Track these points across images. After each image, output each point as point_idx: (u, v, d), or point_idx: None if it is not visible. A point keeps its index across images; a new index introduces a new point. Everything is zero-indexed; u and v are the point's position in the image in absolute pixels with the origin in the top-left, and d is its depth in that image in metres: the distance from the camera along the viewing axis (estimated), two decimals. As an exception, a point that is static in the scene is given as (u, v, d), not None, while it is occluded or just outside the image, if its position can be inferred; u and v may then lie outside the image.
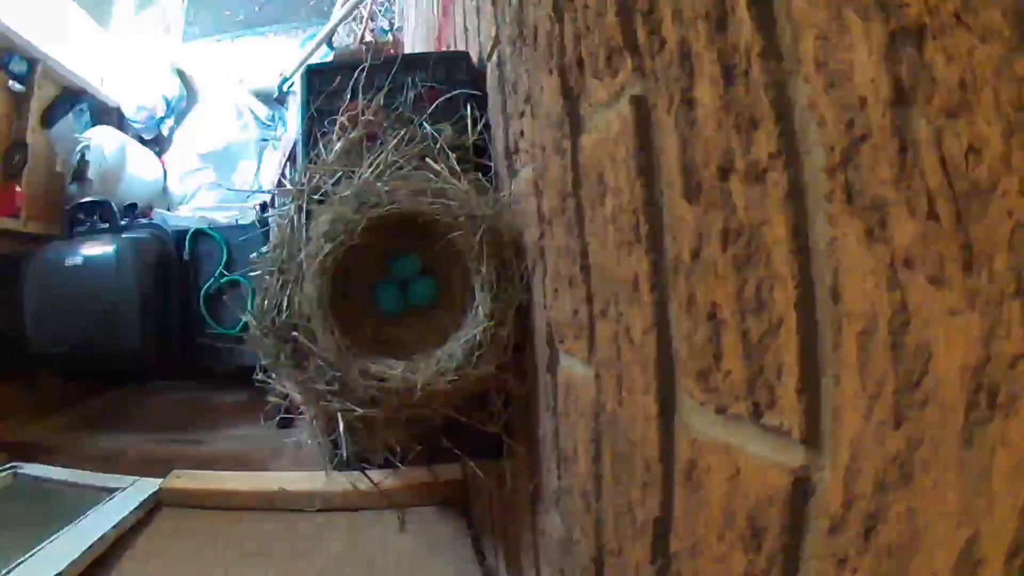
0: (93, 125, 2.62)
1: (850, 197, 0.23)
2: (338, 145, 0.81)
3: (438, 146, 0.79)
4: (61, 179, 2.49)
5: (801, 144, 0.26)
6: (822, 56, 0.24)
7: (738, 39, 0.28)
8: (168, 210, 2.42)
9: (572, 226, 0.51)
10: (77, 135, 2.52)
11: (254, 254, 0.80)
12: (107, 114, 2.87)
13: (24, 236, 2.29)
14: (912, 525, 0.21)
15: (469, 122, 0.84)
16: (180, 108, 3.09)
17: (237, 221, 2.14)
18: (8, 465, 1.44)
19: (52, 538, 1.07)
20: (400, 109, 0.85)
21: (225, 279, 2.03)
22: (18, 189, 2.33)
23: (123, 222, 2.20)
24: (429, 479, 1.20)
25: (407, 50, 2.19)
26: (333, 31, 2.42)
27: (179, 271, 2.10)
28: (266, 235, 0.80)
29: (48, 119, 2.49)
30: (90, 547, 1.04)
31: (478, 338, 0.69)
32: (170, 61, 3.14)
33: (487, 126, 0.84)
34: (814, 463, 0.26)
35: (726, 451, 0.31)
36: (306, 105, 0.87)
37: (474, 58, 0.91)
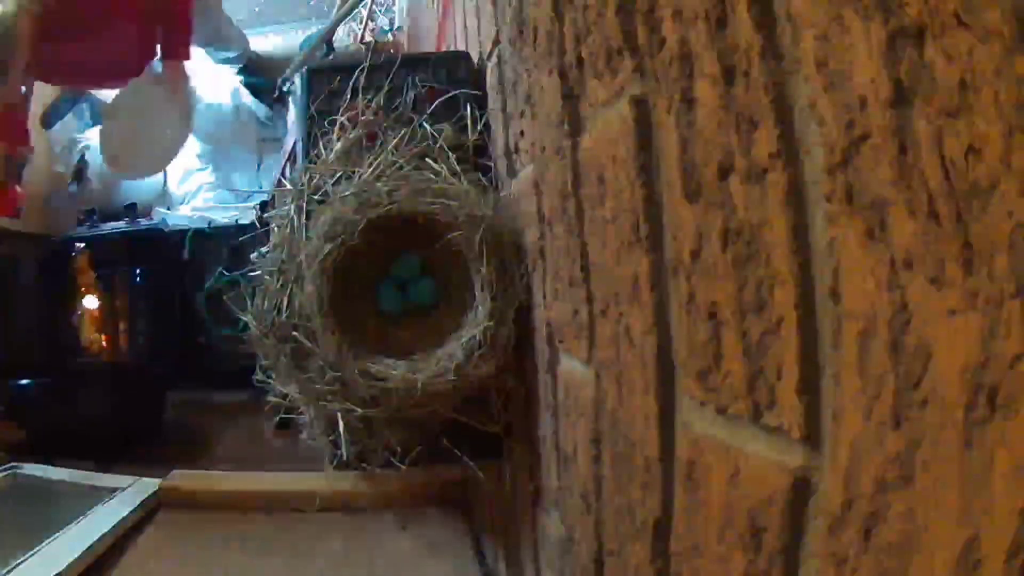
0: (93, 125, 2.62)
1: (850, 197, 0.23)
2: (338, 145, 0.81)
3: (438, 146, 0.79)
4: (61, 179, 2.48)
5: (801, 144, 0.26)
6: (822, 56, 0.24)
7: (738, 39, 0.28)
8: (168, 210, 2.41)
9: (572, 226, 0.51)
10: (77, 135, 2.52)
11: (254, 254, 0.80)
12: (107, 114, 2.86)
13: (24, 236, 2.29)
14: (912, 525, 0.21)
15: (469, 122, 0.84)
16: (180, 108, 3.08)
17: (237, 221, 2.14)
18: (8, 465, 1.44)
19: (52, 538, 1.06)
20: (400, 109, 0.85)
21: (225, 279, 2.02)
22: (18, 189, 2.32)
23: (123, 222, 2.21)
24: (429, 479, 1.20)
25: (407, 50, 2.18)
26: (333, 31, 2.42)
27: (179, 271, 2.10)
28: (266, 235, 0.80)
29: (48, 119, 2.48)
30: (90, 547, 1.04)
31: (478, 338, 0.69)
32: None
33: (487, 126, 0.84)
34: (814, 463, 0.26)
35: (726, 451, 0.31)
36: (306, 105, 0.87)
37: (474, 58, 0.91)
